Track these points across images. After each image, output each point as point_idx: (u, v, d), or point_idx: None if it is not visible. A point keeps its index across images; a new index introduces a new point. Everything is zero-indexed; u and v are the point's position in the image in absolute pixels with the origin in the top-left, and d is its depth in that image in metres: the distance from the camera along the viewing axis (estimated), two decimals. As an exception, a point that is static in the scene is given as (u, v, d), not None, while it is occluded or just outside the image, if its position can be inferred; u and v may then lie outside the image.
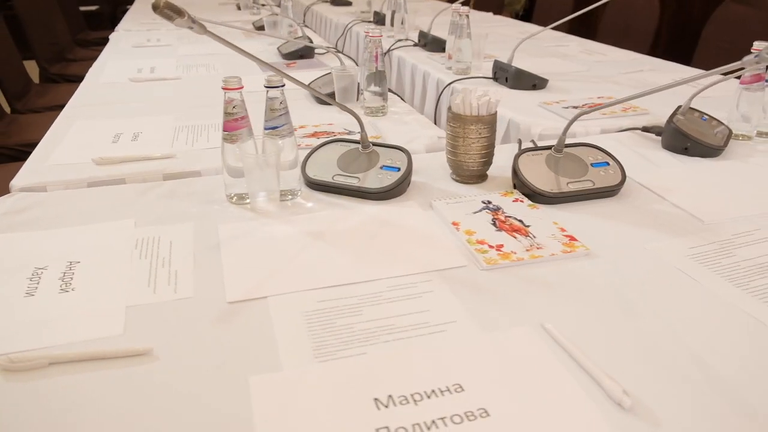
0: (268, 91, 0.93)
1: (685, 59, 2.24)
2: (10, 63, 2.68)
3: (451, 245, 0.84)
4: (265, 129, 0.94)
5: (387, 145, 1.06)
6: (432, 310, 0.70)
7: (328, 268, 0.79)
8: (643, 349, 0.64)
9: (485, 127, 1.01)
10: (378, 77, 1.42)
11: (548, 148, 1.05)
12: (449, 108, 1.02)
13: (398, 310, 0.70)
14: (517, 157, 1.03)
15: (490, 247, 0.83)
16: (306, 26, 2.99)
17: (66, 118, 1.43)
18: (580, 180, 1.00)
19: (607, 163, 1.04)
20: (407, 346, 0.64)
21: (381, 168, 1.02)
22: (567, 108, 1.48)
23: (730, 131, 1.25)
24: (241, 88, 0.92)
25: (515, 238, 0.86)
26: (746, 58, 1.20)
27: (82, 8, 5.27)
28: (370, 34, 1.39)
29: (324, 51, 2.12)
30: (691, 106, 1.24)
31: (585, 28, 4.26)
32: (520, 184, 1.00)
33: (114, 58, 2.15)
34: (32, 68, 2.97)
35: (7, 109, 2.52)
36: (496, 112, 1.02)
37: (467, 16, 1.79)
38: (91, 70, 1.95)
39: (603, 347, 0.64)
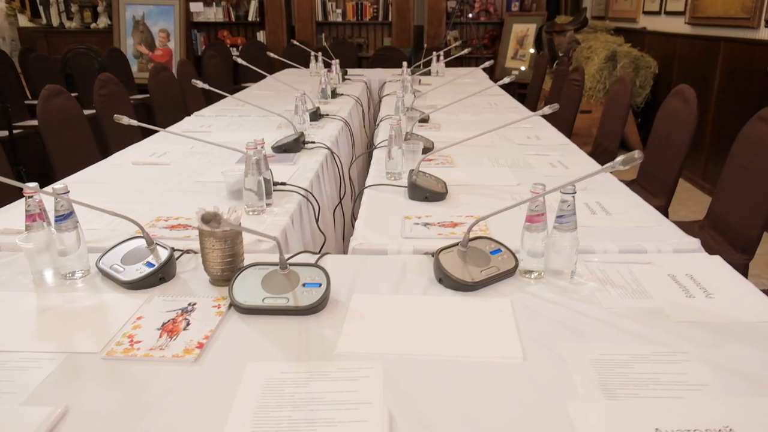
0: (55, 198, 1.24)
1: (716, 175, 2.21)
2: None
3: (110, 333, 1.05)
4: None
5: (162, 245, 1.30)
6: (17, 381, 0.92)
7: None
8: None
9: (218, 242, 1.20)
10: (256, 183, 1.66)
11: (276, 264, 1.20)
12: (200, 220, 1.24)
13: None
14: (241, 270, 1.20)
15: (131, 341, 1.03)
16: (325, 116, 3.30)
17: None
18: (278, 296, 1.14)
19: (320, 284, 1.16)
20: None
21: (143, 263, 1.26)
22: (418, 224, 1.57)
23: (515, 266, 1.26)
24: (36, 193, 1.24)
25: (161, 337, 1.04)
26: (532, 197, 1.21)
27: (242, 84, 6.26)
28: (249, 147, 1.65)
29: (312, 146, 2.42)
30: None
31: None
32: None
33: (153, 140, 2.65)
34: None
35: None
36: (237, 229, 1.21)
37: (398, 127, 1.96)
38: (124, 150, 2.46)
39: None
